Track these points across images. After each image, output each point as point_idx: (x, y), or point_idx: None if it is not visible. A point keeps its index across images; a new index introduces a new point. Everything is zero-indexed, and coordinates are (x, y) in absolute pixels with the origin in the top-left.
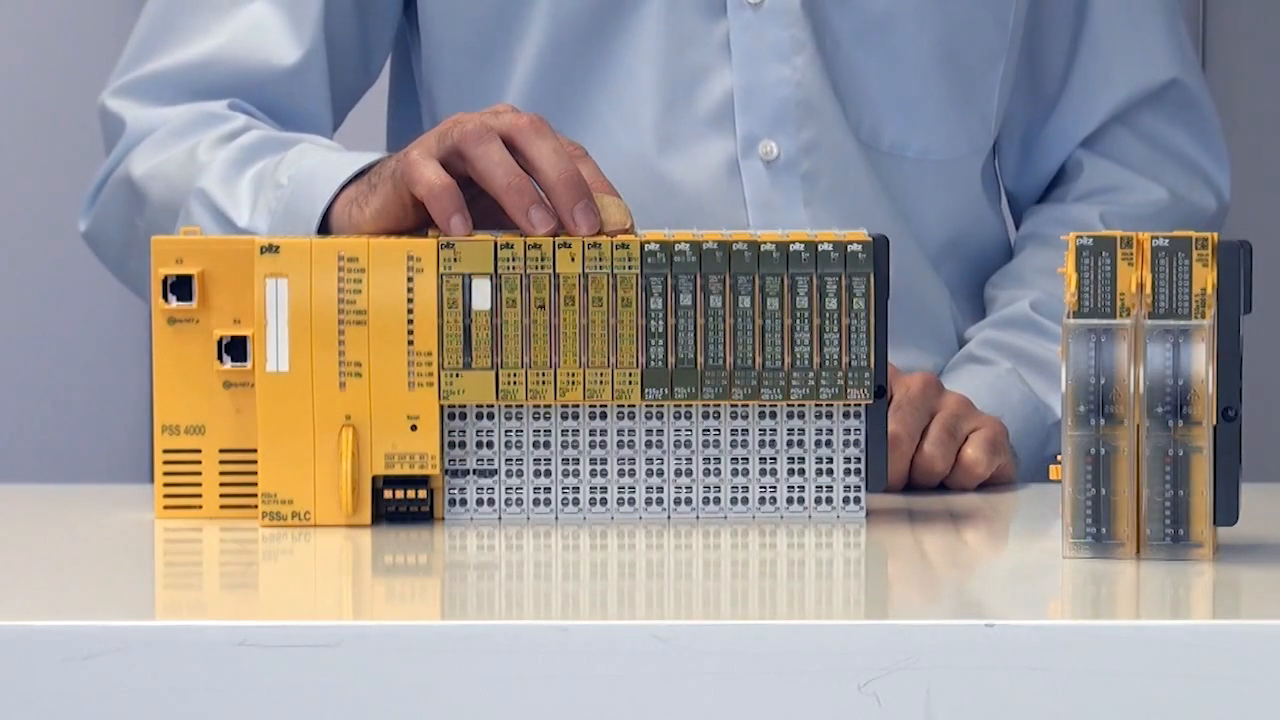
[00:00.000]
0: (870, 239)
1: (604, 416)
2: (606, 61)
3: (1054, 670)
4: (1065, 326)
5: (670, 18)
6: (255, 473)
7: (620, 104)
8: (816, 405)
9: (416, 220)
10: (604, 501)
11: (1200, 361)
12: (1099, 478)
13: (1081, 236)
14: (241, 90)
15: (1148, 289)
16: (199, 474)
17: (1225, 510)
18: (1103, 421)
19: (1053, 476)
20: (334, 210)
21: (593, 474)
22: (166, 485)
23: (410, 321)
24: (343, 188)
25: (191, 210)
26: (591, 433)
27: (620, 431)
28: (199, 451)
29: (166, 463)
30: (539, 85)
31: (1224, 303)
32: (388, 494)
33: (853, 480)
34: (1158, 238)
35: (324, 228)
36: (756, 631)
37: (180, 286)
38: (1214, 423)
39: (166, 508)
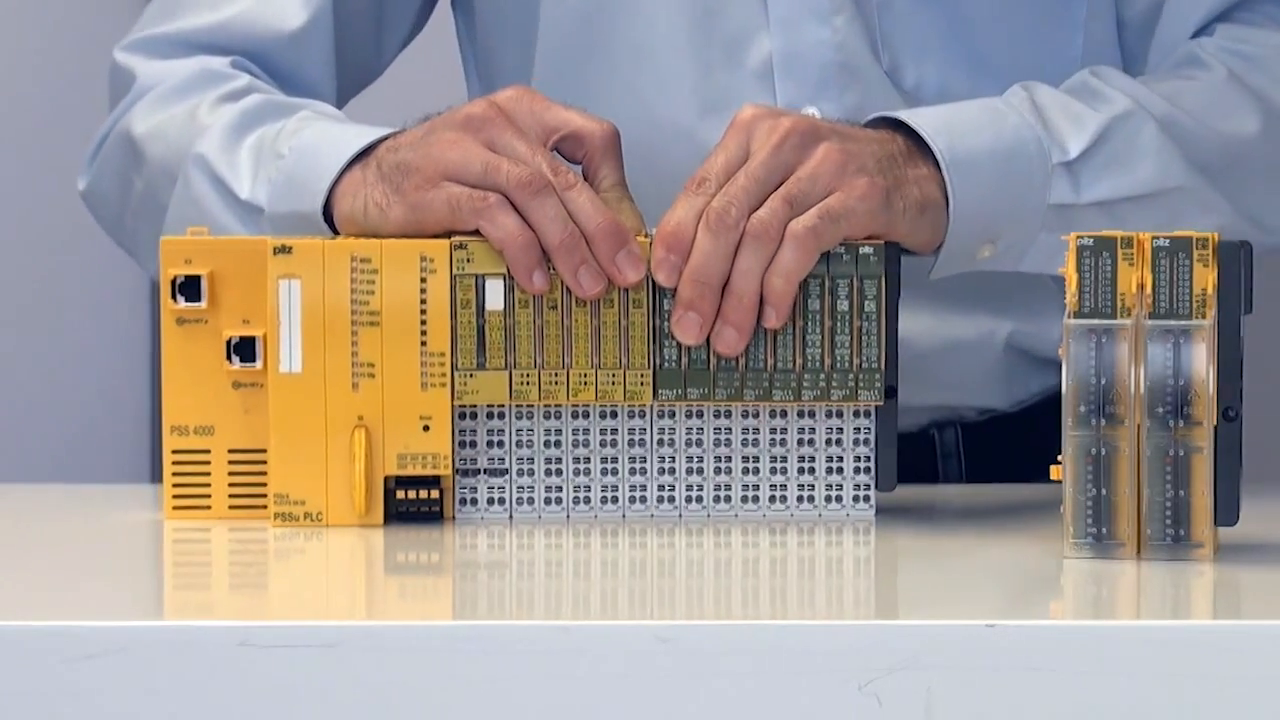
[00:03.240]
0: (882, 243)
1: (615, 415)
2: (635, 27)
3: (1054, 670)
4: (1065, 327)
5: None
6: (264, 473)
7: (656, 71)
8: (827, 405)
9: (441, 235)
10: (615, 500)
11: (1201, 362)
12: (1099, 478)
13: (1082, 237)
14: (247, 54)
15: (1148, 289)
16: (208, 474)
17: (1226, 510)
18: (1103, 422)
19: (1053, 476)
20: (339, 189)
21: (604, 472)
22: (175, 486)
23: (423, 322)
24: (349, 163)
25: (190, 176)
26: (603, 431)
27: (631, 430)
28: (208, 452)
29: (175, 463)
30: (566, 56)
31: (1224, 303)
32: (399, 494)
33: (862, 479)
34: (1158, 238)
35: (328, 200)
36: (757, 631)
37: (189, 287)
38: (1214, 423)
39: (175, 508)
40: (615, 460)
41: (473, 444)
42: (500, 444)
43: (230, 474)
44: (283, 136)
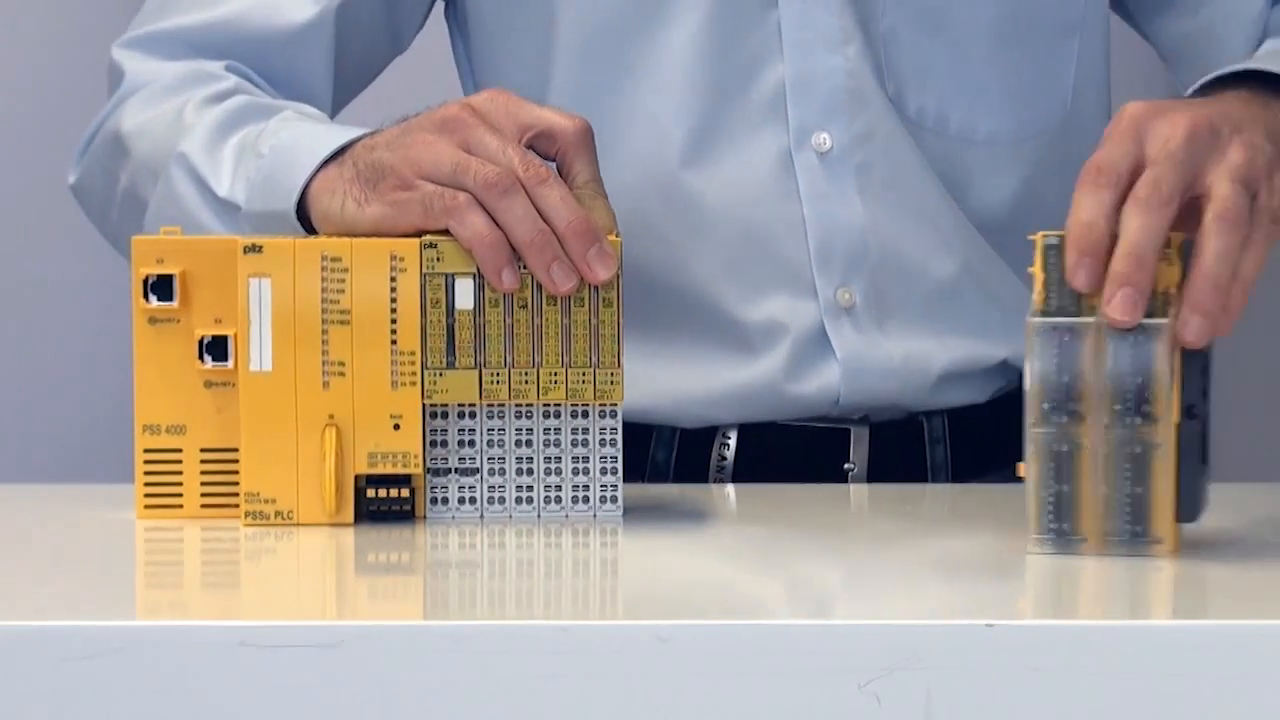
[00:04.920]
0: None
1: (586, 415)
2: (653, 49)
3: (1054, 670)
4: (1030, 325)
5: (720, 10)
6: (236, 472)
7: (669, 94)
8: None
9: (415, 234)
10: (586, 500)
11: (1162, 360)
12: (1061, 474)
13: (1049, 235)
14: (243, 53)
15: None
16: (180, 474)
17: (1188, 507)
18: (1066, 419)
19: (1020, 474)
20: (315, 188)
21: (575, 472)
22: (147, 485)
23: (393, 321)
24: (324, 163)
25: (171, 174)
26: (574, 430)
27: (603, 429)
28: (180, 451)
29: (147, 462)
30: (581, 76)
31: None
32: (370, 493)
33: None
34: None
35: (303, 200)
36: (757, 631)
37: (161, 286)
38: (1176, 420)
39: (147, 507)
40: (587, 460)
41: (444, 443)
42: (471, 443)
43: (202, 473)
44: (263, 137)
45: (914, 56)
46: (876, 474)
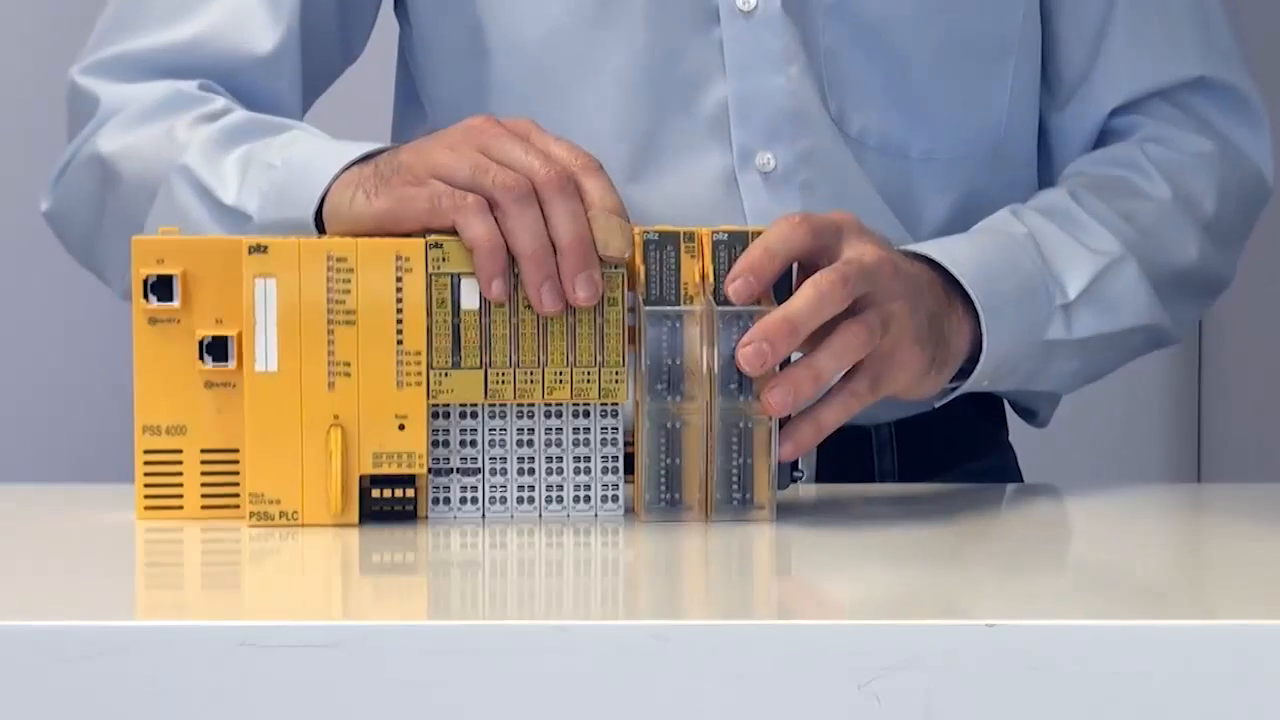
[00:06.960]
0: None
1: (588, 415)
2: (593, 65)
3: (1054, 670)
4: (642, 312)
5: (659, 26)
6: (237, 473)
7: (610, 110)
8: None
9: (418, 232)
10: (588, 499)
11: None
12: (671, 448)
13: (648, 232)
14: (215, 74)
15: (709, 278)
16: (180, 474)
17: (783, 476)
18: (677, 398)
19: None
20: (333, 189)
21: (576, 471)
22: (147, 485)
23: (399, 321)
24: (344, 170)
25: (173, 186)
26: (575, 430)
27: (604, 429)
28: (180, 451)
29: (148, 463)
30: (521, 90)
31: (780, 292)
32: (375, 493)
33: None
34: (718, 232)
35: (318, 210)
36: (757, 631)
37: (161, 286)
38: None
39: (147, 508)
40: (588, 459)
41: (446, 443)
42: (473, 443)
43: (203, 474)
44: (273, 149)
45: (855, 75)
46: (825, 481)
